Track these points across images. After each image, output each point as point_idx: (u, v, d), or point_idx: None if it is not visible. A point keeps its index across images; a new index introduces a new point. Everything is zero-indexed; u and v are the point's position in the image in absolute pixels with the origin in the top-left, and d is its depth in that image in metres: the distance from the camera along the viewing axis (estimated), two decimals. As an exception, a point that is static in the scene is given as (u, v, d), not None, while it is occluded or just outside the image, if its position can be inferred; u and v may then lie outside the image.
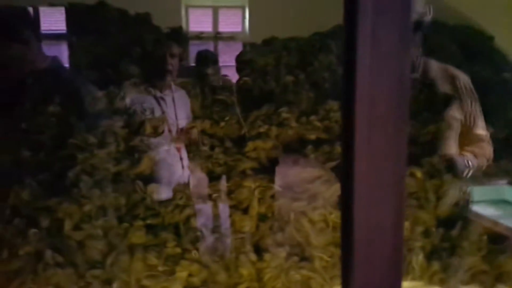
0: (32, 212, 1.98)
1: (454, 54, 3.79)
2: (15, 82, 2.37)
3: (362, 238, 0.90)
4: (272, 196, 2.24)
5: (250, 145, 2.47)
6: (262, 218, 2.20)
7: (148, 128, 2.41)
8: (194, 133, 2.60)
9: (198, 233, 2.11)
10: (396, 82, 0.92)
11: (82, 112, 2.33)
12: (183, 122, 2.65)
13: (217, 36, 4.72)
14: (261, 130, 2.64)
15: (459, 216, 2.37)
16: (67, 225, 1.89)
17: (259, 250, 2.11)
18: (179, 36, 3.73)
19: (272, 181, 2.31)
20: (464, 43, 4.02)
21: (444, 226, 2.36)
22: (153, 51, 3.14)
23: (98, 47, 3.23)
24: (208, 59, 3.36)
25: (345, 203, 0.94)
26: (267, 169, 2.44)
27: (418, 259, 2.18)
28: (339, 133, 2.99)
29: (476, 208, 3.02)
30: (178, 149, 2.53)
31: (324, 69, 3.77)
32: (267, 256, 2.02)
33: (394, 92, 0.93)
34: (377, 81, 0.89)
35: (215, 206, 2.23)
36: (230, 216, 2.18)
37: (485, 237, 2.29)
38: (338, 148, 2.69)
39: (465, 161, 2.71)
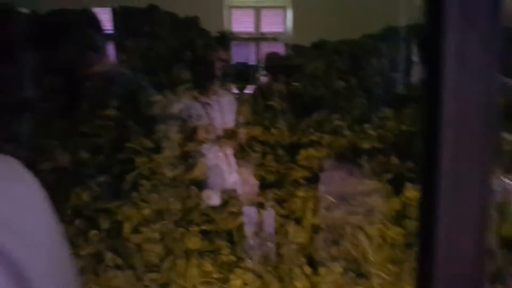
0: (92, 213, 2.10)
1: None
2: (79, 85, 2.51)
3: (443, 259, 0.91)
4: (327, 208, 2.25)
5: (302, 153, 2.48)
6: (316, 229, 2.21)
7: (200, 134, 2.48)
8: (241, 134, 2.64)
9: (251, 242, 2.15)
10: (484, 103, 0.91)
11: (140, 116, 2.44)
12: (229, 126, 2.70)
13: (260, 37, 4.78)
14: (313, 137, 2.65)
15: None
16: (127, 228, 1.99)
17: (313, 263, 2.12)
18: (226, 40, 3.82)
19: (325, 191, 2.31)
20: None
21: (508, 248, 2.28)
22: (203, 56, 3.24)
23: (150, 51, 3.35)
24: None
25: (426, 223, 0.95)
26: (320, 179, 2.44)
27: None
28: (393, 142, 2.95)
29: None
30: (226, 155, 2.58)
31: (377, 73, 3.74)
32: (322, 270, 2.03)
33: (481, 114, 0.93)
34: (464, 102, 0.89)
35: (267, 214, 2.26)
36: (283, 225, 2.21)
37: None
38: (393, 159, 2.66)
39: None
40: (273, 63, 3.46)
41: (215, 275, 1.97)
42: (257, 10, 4.76)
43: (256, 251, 2.11)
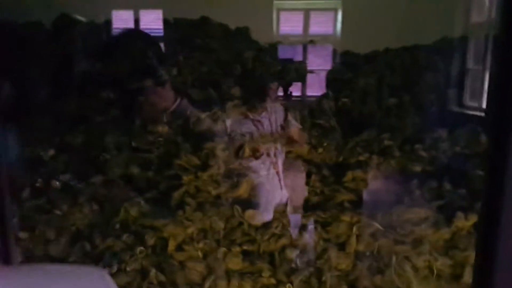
0: (139, 229, 2.15)
1: None
2: (133, 99, 2.57)
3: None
4: (372, 235, 2.15)
5: (349, 174, 2.40)
6: (359, 256, 2.13)
7: (247, 152, 2.46)
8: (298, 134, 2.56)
9: (293, 265, 2.11)
10: None
11: (189, 132, 2.46)
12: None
13: (309, 40, 4.65)
14: (361, 158, 2.55)
15: None
16: (171, 245, 2.02)
17: (354, 290, 2.04)
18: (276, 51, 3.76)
19: (372, 217, 2.22)
20: None
21: None
22: (253, 68, 3.21)
23: (202, 65, 3.38)
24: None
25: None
26: (367, 203, 2.35)
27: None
28: (445, 166, 2.77)
29: None
30: (277, 172, 2.54)
31: (431, 90, 3.54)
32: (364, 299, 1.95)
33: None
34: None
35: (310, 238, 2.21)
36: (325, 250, 2.14)
37: None
38: (446, 185, 2.50)
39: None
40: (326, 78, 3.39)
41: (255, 299, 1.94)
42: (307, 12, 4.66)
43: (298, 275, 2.06)
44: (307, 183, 2.42)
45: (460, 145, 2.76)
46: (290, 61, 3.57)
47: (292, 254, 2.12)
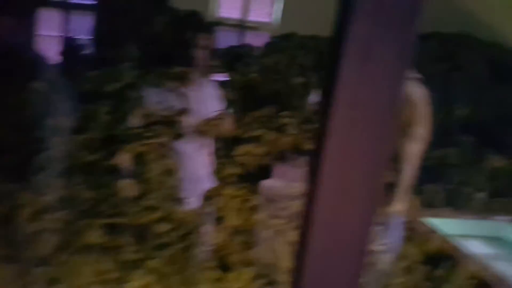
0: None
1: (482, 72, 3.44)
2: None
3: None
4: (252, 209, 2.04)
5: (240, 148, 2.25)
6: (236, 231, 2.01)
7: (134, 118, 2.17)
8: (228, 123, 2.16)
9: (163, 240, 1.93)
10: (384, 107, 0.72)
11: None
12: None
13: (244, 25, 4.40)
14: (256, 133, 2.42)
15: (448, 255, 2.11)
16: (24, 215, 1.75)
17: (227, 266, 1.92)
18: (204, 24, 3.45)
19: (256, 191, 2.10)
20: (496, 62, 3.65)
21: (431, 264, 2.11)
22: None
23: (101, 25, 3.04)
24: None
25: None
26: (255, 178, 2.23)
27: (397, 298, 1.95)
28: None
29: (471, 243, 2.73)
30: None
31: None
32: (232, 275, 1.83)
33: (378, 122, 0.72)
34: (362, 104, 0.71)
35: (189, 211, 2.04)
36: (202, 225, 1.99)
37: (472, 282, 2.03)
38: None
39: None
40: (232, 53, 3.16)
41: (113, 275, 1.74)
42: None
43: (166, 251, 1.88)
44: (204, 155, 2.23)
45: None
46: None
47: (164, 228, 1.94)
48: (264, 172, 2.28)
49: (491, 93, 3.17)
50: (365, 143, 0.74)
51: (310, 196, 0.78)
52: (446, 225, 2.61)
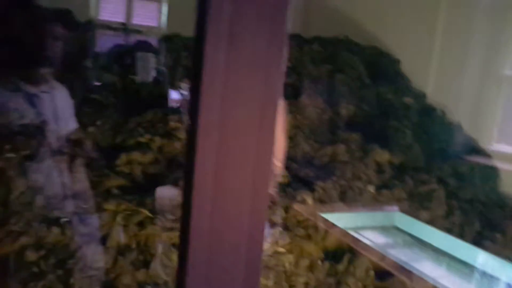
0: None
1: (361, 73, 3.72)
2: None
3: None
4: (140, 224, 1.83)
5: (123, 157, 2.02)
6: (124, 250, 1.78)
7: None
8: (88, 145, 1.98)
9: (35, 269, 1.62)
10: (259, 101, 0.63)
11: None
12: (66, 128, 1.90)
13: (127, 29, 4.15)
14: (141, 139, 2.21)
15: (348, 248, 2.17)
16: None
17: (114, 290, 1.68)
18: (66, 18, 3.10)
19: (142, 204, 1.90)
20: (372, 64, 3.98)
21: (332, 259, 2.15)
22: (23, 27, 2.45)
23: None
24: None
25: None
26: (142, 189, 2.02)
27: (300, 298, 1.93)
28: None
29: (367, 234, 2.90)
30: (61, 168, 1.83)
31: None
32: (120, 300, 1.60)
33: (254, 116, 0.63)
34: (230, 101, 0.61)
35: (65, 233, 1.75)
36: (82, 247, 1.72)
37: (372, 272, 2.12)
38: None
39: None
40: (111, 55, 2.88)
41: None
42: (129, 0, 4.20)
43: (39, 281, 1.58)
44: (70, 169, 1.94)
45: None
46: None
47: (34, 256, 1.63)
48: (155, 181, 2.08)
49: (370, 92, 3.43)
50: (240, 138, 0.65)
51: (186, 201, 0.66)
52: (343, 219, 2.71)
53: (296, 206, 2.15)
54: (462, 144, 3.47)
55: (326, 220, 2.40)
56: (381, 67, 3.90)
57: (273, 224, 2.02)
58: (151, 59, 2.63)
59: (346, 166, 2.55)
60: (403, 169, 2.77)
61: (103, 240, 1.76)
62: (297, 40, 3.75)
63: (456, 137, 3.50)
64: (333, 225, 2.45)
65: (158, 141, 2.21)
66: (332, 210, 2.63)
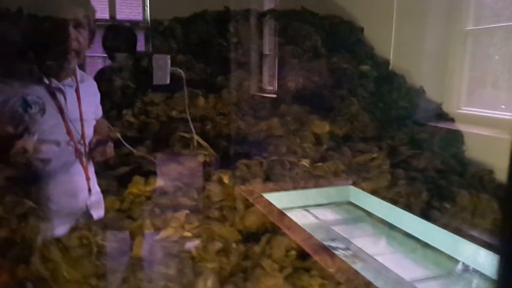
0: None
1: (316, 44, 3.37)
2: None
3: None
4: (23, 216, 1.62)
5: (18, 144, 1.80)
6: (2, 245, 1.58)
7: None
8: (110, 147, 1.77)
9: None
10: None
11: None
12: (89, 125, 1.77)
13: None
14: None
15: (267, 228, 1.91)
16: None
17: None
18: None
19: (30, 195, 1.69)
20: (331, 33, 3.62)
21: (248, 241, 1.90)
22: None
23: None
24: None
25: None
26: (35, 180, 1.80)
27: (205, 285, 1.69)
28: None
29: (317, 212, 2.62)
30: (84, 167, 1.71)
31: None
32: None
33: None
34: None
35: None
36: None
37: (293, 253, 1.86)
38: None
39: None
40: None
41: None
42: None
43: None
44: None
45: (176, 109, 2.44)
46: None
47: None
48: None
49: (324, 62, 3.09)
50: None
51: None
52: (290, 197, 2.45)
53: (241, 188, 1.87)
54: (425, 110, 3.10)
55: (256, 199, 2.15)
56: (341, 37, 3.53)
57: (178, 207, 1.78)
58: (168, 61, 2.40)
59: (280, 141, 2.27)
60: (347, 140, 2.46)
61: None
62: (251, 14, 3.44)
63: (417, 103, 3.13)
64: (265, 204, 2.19)
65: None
66: (277, 189, 2.37)
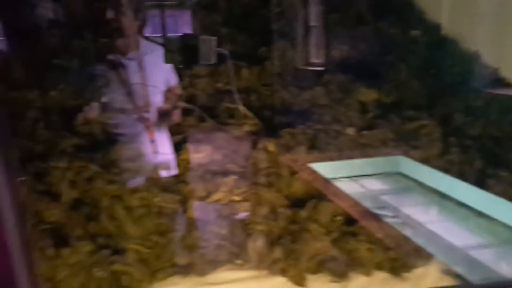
0: None
1: (359, 10, 3.27)
2: None
3: None
4: (89, 179, 1.80)
5: (80, 116, 1.99)
6: (75, 205, 1.77)
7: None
8: (177, 114, 1.96)
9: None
10: None
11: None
12: (158, 92, 1.92)
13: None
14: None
15: (313, 195, 1.96)
16: None
17: (64, 243, 1.69)
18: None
19: (94, 160, 1.86)
20: (378, -1, 3.48)
21: (295, 206, 1.96)
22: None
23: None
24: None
25: None
26: (100, 147, 1.98)
27: (256, 245, 1.79)
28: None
29: (366, 182, 2.62)
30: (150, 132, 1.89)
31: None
32: (65, 251, 1.60)
33: None
34: None
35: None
36: (38, 203, 1.75)
37: (339, 218, 1.90)
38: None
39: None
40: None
41: None
42: None
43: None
44: (32, 132, 1.96)
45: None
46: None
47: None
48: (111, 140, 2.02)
49: (369, 29, 3.01)
50: None
51: None
52: (339, 168, 2.47)
53: (286, 156, 1.93)
54: (480, 76, 2.95)
55: (302, 167, 2.20)
56: (389, 2, 3.40)
57: (227, 173, 1.89)
58: (214, 42, 2.54)
59: (325, 110, 2.29)
60: (395, 108, 2.42)
61: (56, 196, 1.77)
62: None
63: (472, 68, 2.97)
64: (311, 172, 2.24)
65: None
66: (323, 158, 2.40)
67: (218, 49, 2.38)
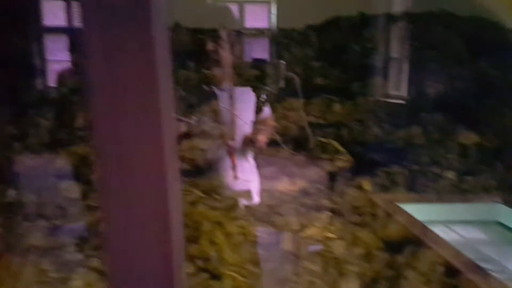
0: None
1: (457, 48, 3.17)
2: None
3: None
4: (192, 203, 1.92)
5: (185, 143, 2.15)
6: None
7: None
8: (262, 141, 1.97)
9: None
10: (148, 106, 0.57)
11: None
12: (245, 124, 1.99)
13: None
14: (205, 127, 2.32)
15: (411, 240, 1.89)
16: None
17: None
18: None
19: (197, 185, 1.99)
20: (476, 37, 3.36)
21: (391, 250, 1.90)
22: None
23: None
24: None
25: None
26: (204, 171, 2.11)
27: (348, 286, 1.76)
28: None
29: (460, 229, 2.46)
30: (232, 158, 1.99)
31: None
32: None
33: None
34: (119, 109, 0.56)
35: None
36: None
37: (440, 268, 1.80)
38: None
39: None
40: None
41: (53, 275, 1.68)
42: (241, 5, 4.40)
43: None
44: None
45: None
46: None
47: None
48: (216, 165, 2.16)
49: (467, 69, 2.91)
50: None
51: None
52: (430, 211, 2.37)
53: (381, 196, 1.92)
54: None
55: (397, 209, 2.14)
56: (487, 41, 3.26)
57: (320, 208, 1.90)
58: (282, 66, 2.67)
59: (422, 150, 2.23)
60: (498, 154, 2.27)
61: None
62: (384, 19, 3.41)
63: None
64: (407, 215, 2.16)
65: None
66: (420, 200, 2.32)
67: (287, 73, 2.43)
